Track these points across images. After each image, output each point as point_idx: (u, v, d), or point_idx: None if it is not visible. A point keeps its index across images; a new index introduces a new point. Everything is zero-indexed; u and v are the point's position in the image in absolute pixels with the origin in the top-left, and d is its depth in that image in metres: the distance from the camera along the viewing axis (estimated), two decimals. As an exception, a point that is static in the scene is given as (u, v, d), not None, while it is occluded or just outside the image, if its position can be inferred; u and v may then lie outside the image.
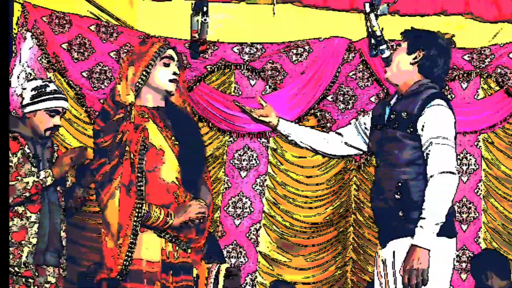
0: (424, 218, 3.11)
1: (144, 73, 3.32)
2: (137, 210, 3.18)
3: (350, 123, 3.70)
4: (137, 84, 3.32)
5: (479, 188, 6.44)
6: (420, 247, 3.11)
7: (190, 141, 3.43)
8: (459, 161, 6.43)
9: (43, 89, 4.17)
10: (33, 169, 4.04)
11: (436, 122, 3.20)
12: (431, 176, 3.16)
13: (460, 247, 6.36)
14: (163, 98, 3.42)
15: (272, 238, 6.36)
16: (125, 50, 6.11)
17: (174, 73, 3.38)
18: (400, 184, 3.21)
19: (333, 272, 6.37)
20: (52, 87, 4.20)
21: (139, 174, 3.22)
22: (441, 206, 3.12)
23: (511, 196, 6.38)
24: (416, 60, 3.40)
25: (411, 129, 3.24)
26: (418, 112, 3.23)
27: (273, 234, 6.36)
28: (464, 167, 6.44)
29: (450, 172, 3.13)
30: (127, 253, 3.17)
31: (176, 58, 3.44)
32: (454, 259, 3.25)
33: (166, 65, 3.37)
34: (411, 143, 3.25)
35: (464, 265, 6.33)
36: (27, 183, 3.95)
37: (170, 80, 3.37)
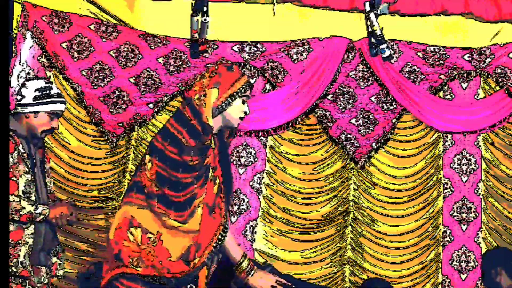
0: None
1: (226, 101, 3.36)
2: (221, 234, 3.31)
3: None
4: (217, 108, 3.35)
5: (479, 188, 6.45)
6: None
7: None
8: (459, 161, 6.45)
9: (48, 91, 4.17)
10: (27, 170, 4.02)
11: None
12: None
13: (459, 247, 6.40)
14: (218, 129, 3.42)
15: (269, 235, 6.35)
16: (125, 49, 6.11)
17: (246, 113, 3.43)
18: None
19: (331, 270, 6.37)
20: (54, 89, 4.21)
21: (224, 199, 3.34)
22: None
23: (511, 196, 6.38)
24: None
25: None
26: None
27: (270, 231, 6.34)
28: (464, 167, 6.44)
29: None
30: (196, 270, 3.26)
31: None
32: None
33: (244, 102, 3.42)
34: None
35: (464, 265, 6.34)
36: (23, 208, 3.93)
37: (241, 118, 3.43)
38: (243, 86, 3.39)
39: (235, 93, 3.36)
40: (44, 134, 4.17)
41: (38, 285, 4.06)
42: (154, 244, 3.19)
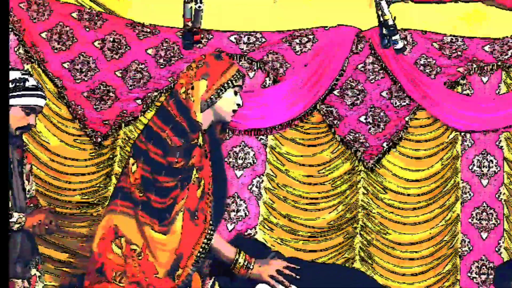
0: None
1: (216, 93, 3.26)
2: (204, 242, 3.16)
3: None
4: (207, 102, 3.25)
5: (500, 193, 6.35)
6: None
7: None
8: (479, 163, 6.40)
9: (22, 83, 4.02)
10: None
11: None
12: None
13: (479, 257, 6.33)
14: (209, 125, 3.33)
15: (270, 244, 6.23)
16: (111, 39, 6.10)
17: (239, 105, 3.35)
18: None
19: (339, 281, 6.24)
20: (31, 81, 4.05)
21: (209, 203, 3.23)
22: None
23: (536, 201, 6.38)
24: None
25: None
26: None
27: (270, 240, 6.27)
28: (485, 169, 6.37)
29: None
30: (182, 283, 3.15)
31: None
32: None
33: (236, 93, 3.33)
34: None
35: (483, 277, 6.25)
36: None
37: (234, 111, 3.34)
38: (234, 76, 3.28)
39: (225, 84, 3.25)
40: (19, 131, 3.99)
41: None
42: (140, 258, 3.09)
